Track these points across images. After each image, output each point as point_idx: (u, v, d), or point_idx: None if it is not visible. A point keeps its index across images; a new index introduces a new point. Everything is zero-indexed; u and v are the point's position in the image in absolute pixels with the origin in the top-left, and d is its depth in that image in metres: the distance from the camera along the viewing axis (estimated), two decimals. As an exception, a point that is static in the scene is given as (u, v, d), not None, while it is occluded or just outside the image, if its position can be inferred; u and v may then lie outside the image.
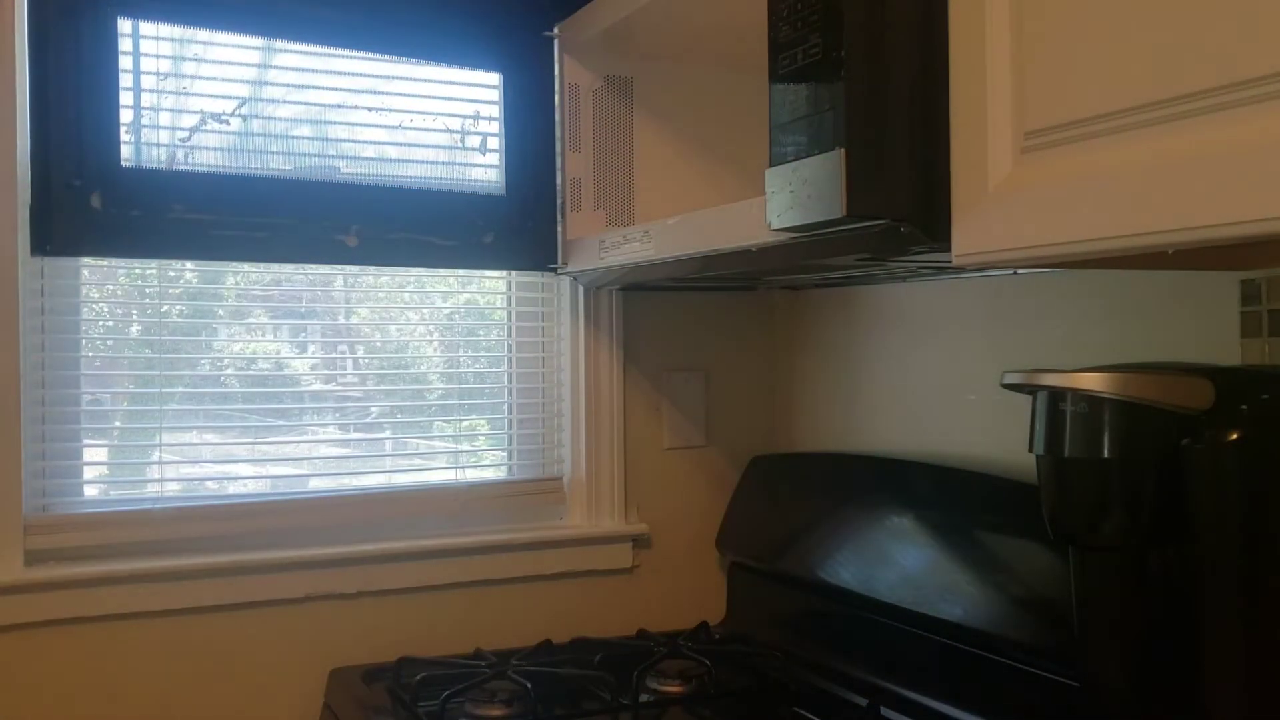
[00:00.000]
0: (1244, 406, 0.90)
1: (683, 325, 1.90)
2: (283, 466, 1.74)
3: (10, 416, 1.47)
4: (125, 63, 1.56)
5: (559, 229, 1.70)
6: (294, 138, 1.72)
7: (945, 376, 1.59)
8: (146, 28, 1.58)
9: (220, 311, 1.70)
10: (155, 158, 1.61)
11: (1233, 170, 0.71)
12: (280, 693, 1.61)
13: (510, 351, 1.85)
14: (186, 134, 1.63)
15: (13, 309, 1.47)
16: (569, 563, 1.80)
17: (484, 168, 1.81)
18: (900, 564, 1.48)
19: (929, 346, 1.63)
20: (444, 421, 1.83)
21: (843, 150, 0.94)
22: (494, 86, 1.80)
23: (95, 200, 1.53)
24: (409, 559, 1.70)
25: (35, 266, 1.51)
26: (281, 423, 1.73)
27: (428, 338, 1.83)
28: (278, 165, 1.69)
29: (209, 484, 1.68)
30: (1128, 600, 0.98)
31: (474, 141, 1.80)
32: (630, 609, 1.82)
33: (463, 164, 1.81)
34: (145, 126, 1.60)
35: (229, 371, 1.70)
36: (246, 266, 1.68)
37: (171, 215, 1.57)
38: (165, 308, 1.64)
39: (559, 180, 1.69)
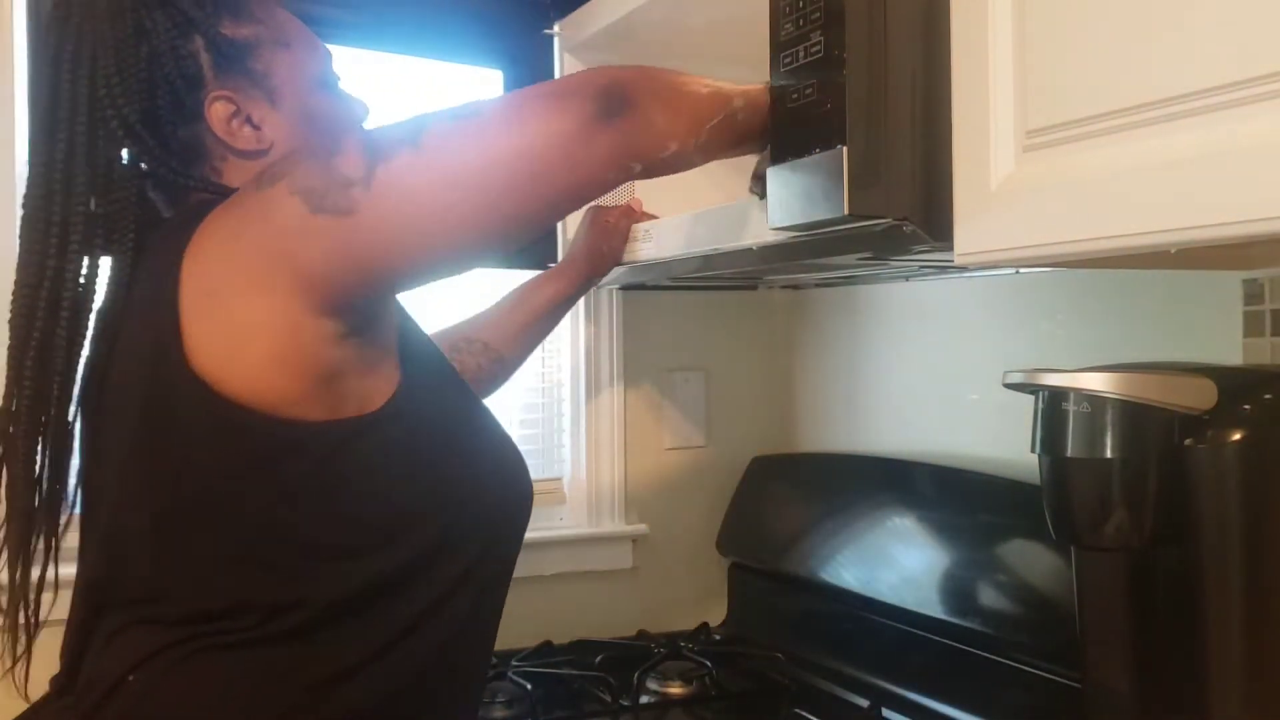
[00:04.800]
0: (1247, 406, 0.89)
1: (683, 325, 1.90)
2: (282, 466, 1.73)
3: (9, 416, 1.47)
4: (125, 62, 1.56)
5: (559, 228, 1.69)
6: (294, 137, 1.72)
7: (947, 376, 1.59)
8: (146, 26, 1.58)
9: (220, 311, 1.69)
10: (154, 157, 1.60)
11: (1236, 169, 0.71)
12: (280, 693, 1.61)
13: (510, 351, 1.84)
14: (186, 133, 1.62)
15: (12, 308, 1.47)
16: (569, 563, 1.80)
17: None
18: (902, 564, 1.48)
19: (931, 346, 1.63)
20: (444, 421, 1.82)
21: (844, 149, 0.93)
22: (495, 84, 1.79)
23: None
24: (409, 559, 1.69)
25: (34, 266, 1.51)
26: (281, 422, 1.73)
27: (428, 337, 1.83)
28: (277, 164, 1.68)
29: (208, 484, 1.67)
30: (1130, 601, 0.98)
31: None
32: (631, 610, 1.82)
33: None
34: (144, 125, 1.59)
35: (228, 371, 1.69)
36: (246, 266, 1.68)
37: (171, 214, 1.56)
38: (164, 307, 1.64)
39: (559, 180, 1.69)
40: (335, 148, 0.85)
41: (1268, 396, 0.91)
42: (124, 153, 0.94)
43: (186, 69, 0.97)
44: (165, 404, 0.85)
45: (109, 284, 0.93)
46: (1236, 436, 0.88)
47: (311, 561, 0.89)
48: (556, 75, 1.68)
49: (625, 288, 1.80)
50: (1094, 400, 0.91)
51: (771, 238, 1.10)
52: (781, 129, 1.02)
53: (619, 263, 1.48)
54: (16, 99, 1.46)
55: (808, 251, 1.12)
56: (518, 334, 1.41)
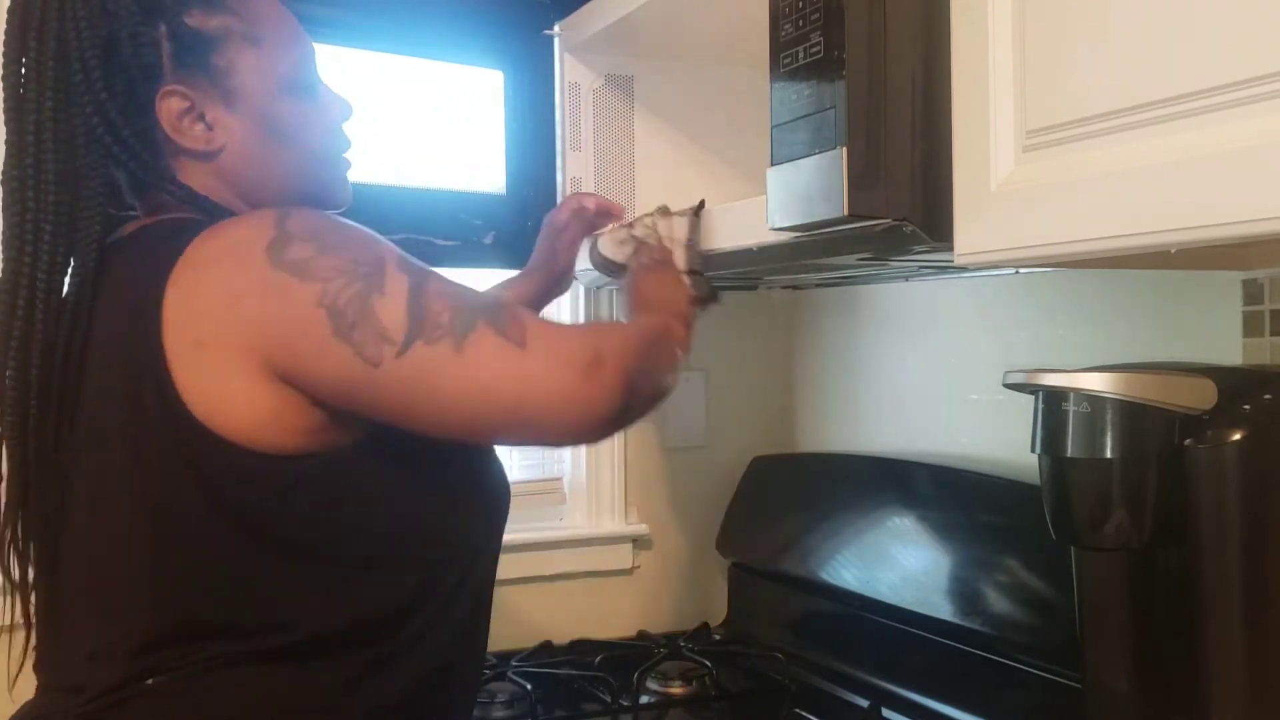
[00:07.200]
0: (1246, 406, 0.90)
1: (683, 325, 1.89)
2: (282, 466, 1.73)
3: (9, 416, 1.47)
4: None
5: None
6: (294, 137, 1.71)
7: (947, 376, 1.59)
8: (146, 27, 1.58)
9: (220, 311, 1.69)
10: (155, 157, 1.60)
11: (1236, 169, 0.71)
12: (280, 693, 1.61)
13: (510, 351, 1.84)
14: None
15: (12, 308, 1.47)
16: (569, 563, 1.79)
17: (485, 167, 1.80)
18: (902, 564, 1.48)
19: (931, 346, 1.62)
20: (444, 421, 1.82)
21: (844, 149, 0.93)
22: (495, 85, 1.79)
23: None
24: (409, 559, 1.69)
25: (34, 266, 1.51)
26: (281, 423, 1.73)
27: (428, 338, 1.82)
28: (277, 165, 1.68)
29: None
30: (1130, 600, 0.98)
31: (475, 140, 1.80)
32: (630, 610, 1.82)
33: (463, 163, 1.81)
34: (145, 126, 1.59)
35: (228, 371, 1.69)
36: (246, 266, 1.67)
37: (171, 215, 1.56)
38: (165, 307, 1.63)
39: (559, 179, 1.69)
40: (379, 283, 0.83)
41: (1267, 397, 0.91)
42: (91, 138, 0.91)
43: (144, 57, 0.92)
44: (165, 448, 0.85)
45: (74, 284, 0.90)
46: (1236, 437, 0.88)
47: (338, 581, 0.90)
48: (557, 76, 1.68)
49: (625, 288, 1.80)
50: (1094, 400, 0.91)
51: (771, 238, 1.10)
52: (781, 129, 1.02)
53: (571, 273, 1.42)
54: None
55: (808, 251, 1.12)
56: None
